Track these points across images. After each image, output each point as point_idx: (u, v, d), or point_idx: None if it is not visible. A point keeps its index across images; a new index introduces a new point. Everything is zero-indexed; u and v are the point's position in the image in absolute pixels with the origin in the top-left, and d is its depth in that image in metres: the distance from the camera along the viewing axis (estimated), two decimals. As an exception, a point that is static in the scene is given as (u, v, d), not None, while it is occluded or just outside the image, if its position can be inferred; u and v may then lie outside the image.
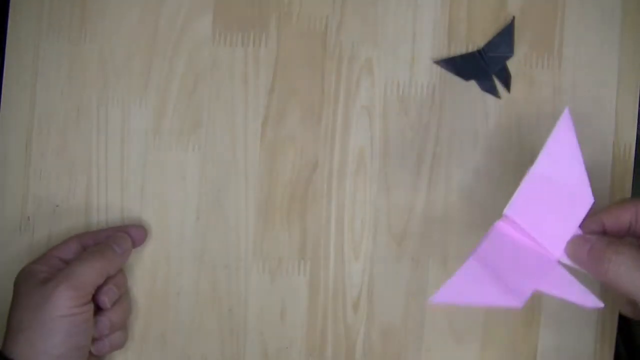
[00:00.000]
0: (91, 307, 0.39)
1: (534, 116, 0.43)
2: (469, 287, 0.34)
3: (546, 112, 0.43)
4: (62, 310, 0.37)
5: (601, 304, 0.35)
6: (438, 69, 0.44)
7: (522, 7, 0.44)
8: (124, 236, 0.42)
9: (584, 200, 0.35)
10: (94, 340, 0.40)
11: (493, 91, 0.43)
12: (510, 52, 0.43)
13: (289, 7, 0.44)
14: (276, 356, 0.44)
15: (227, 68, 0.44)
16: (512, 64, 0.44)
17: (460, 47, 0.44)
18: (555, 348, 0.43)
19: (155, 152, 0.45)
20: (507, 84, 0.43)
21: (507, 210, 0.34)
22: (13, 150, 0.45)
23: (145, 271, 0.44)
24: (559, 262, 0.36)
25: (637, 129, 0.44)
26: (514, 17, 0.43)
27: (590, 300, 0.35)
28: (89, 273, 0.39)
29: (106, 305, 0.40)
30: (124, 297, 0.43)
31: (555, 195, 0.35)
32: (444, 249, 0.44)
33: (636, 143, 0.43)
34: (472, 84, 0.44)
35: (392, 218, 0.44)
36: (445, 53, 0.44)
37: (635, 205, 0.35)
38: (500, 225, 0.35)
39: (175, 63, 0.45)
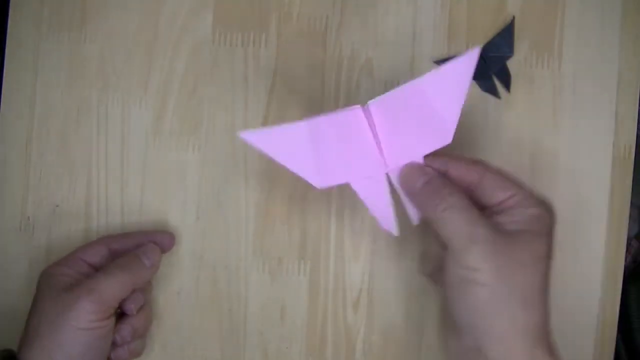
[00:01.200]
0: (113, 320, 0.38)
1: (534, 116, 0.43)
2: (284, 144, 0.34)
3: (546, 112, 0.43)
4: (83, 323, 0.36)
5: (395, 232, 0.36)
6: (438, 69, 0.44)
7: (522, 7, 0.44)
8: (154, 248, 0.41)
9: (443, 137, 0.35)
10: (114, 346, 0.39)
11: (493, 91, 0.43)
12: (510, 52, 0.43)
13: (289, 7, 0.44)
14: (276, 356, 0.44)
15: (227, 68, 0.44)
16: (512, 64, 0.44)
17: (460, 47, 0.44)
18: (555, 348, 0.43)
19: (155, 152, 0.45)
20: (507, 84, 0.43)
21: (371, 102, 0.34)
22: (13, 150, 0.45)
23: (145, 271, 0.44)
24: (386, 174, 0.36)
25: (637, 129, 0.44)
26: (514, 17, 0.43)
27: (388, 223, 0.36)
28: (115, 288, 0.37)
29: (132, 313, 0.39)
30: (147, 303, 0.41)
31: (421, 116, 0.34)
32: (444, 249, 0.44)
33: (636, 143, 0.43)
34: (472, 84, 0.44)
35: (392, 218, 0.44)
36: (445, 53, 0.44)
37: (484, 170, 0.35)
38: (356, 111, 0.34)
39: (175, 63, 0.45)
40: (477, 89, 0.44)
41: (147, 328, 0.42)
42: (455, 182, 0.35)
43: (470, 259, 0.32)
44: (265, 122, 0.44)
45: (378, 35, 0.44)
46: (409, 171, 0.35)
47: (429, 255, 0.36)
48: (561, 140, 0.43)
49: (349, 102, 0.44)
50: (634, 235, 0.54)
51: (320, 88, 0.44)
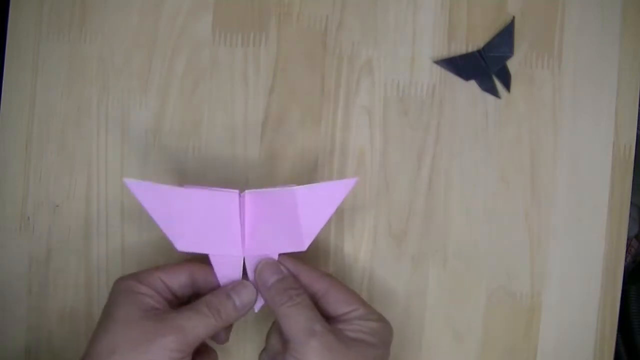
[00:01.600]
0: (190, 357, 0.36)
1: (534, 116, 0.43)
2: (159, 201, 0.37)
3: (546, 112, 0.43)
4: (163, 359, 0.34)
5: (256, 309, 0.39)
6: (438, 69, 0.44)
7: (522, 7, 0.44)
8: (248, 286, 0.38)
9: (299, 243, 0.38)
10: None
11: (493, 91, 0.43)
12: (510, 52, 0.43)
13: (289, 7, 0.44)
14: (276, 356, 0.44)
15: (227, 68, 0.44)
16: (512, 64, 0.44)
17: (460, 47, 0.44)
18: (555, 348, 0.43)
19: (155, 152, 0.45)
20: (507, 84, 0.43)
21: (247, 192, 0.37)
22: (13, 150, 0.45)
23: (145, 271, 0.44)
24: (242, 258, 0.38)
25: (637, 128, 0.44)
26: (514, 17, 0.43)
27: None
28: (202, 329, 0.35)
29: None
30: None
31: (286, 219, 0.38)
32: (444, 249, 0.44)
33: (636, 143, 0.43)
34: (472, 84, 0.44)
35: (392, 218, 0.44)
36: (445, 53, 0.44)
37: (331, 283, 0.38)
38: (233, 195, 0.37)
39: (175, 63, 0.45)
40: (477, 89, 0.44)
41: None
42: (304, 287, 0.38)
43: (309, 353, 0.34)
44: (265, 122, 0.44)
45: (378, 35, 0.44)
46: (265, 266, 0.38)
47: (270, 349, 0.38)
48: (561, 140, 0.43)
49: (348, 102, 0.44)
50: (634, 235, 0.54)
51: (320, 88, 0.44)
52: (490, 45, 0.43)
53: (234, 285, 0.38)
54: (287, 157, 0.44)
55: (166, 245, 0.44)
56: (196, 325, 0.35)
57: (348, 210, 0.44)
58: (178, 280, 0.38)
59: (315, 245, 0.44)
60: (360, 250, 0.44)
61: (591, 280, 0.43)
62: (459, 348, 0.44)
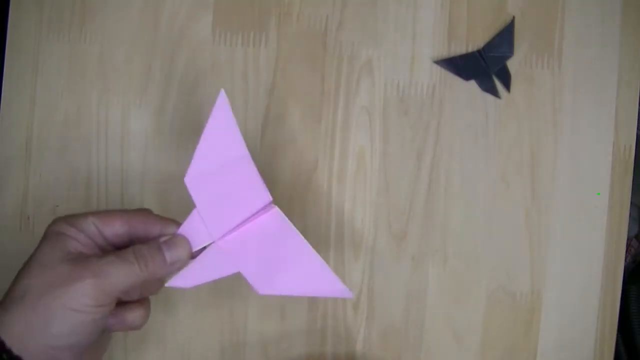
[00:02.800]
0: (112, 307, 0.33)
1: (534, 116, 0.43)
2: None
3: (546, 112, 0.43)
4: (77, 305, 0.31)
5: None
6: (438, 69, 0.44)
7: (522, 7, 0.44)
8: (183, 242, 0.35)
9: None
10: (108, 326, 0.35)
11: (493, 91, 0.44)
12: (510, 52, 0.43)
13: (289, 7, 0.44)
14: (276, 356, 0.44)
15: (227, 68, 0.44)
16: (512, 64, 0.44)
17: (460, 47, 0.44)
18: (555, 348, 0.43)
19: (155, 152, 0.45)
20: (507, 84, 0.43)
21: (275, 209, 0.35)
22: (13, 150, 0.45)
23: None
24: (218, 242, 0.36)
25: (637, 128, 0.44)
26: (514, 17, 0.43)
27: (182, 282, 0.36)
28: (125, 279, 0.33)
29: (132, 310, 0.35)
30: (147, 300, 0.37)
31: (224, 181, 0.35)
32: (444, 249, 0.44)
33: (636, 143, 0.44)
34: (472, 84, 0.44)
35: (392, 218, 0.44)
36: (445, 53, 0.44)
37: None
38: (267, 197, 0.36)
39: (175, 63, 0.45)
40: (477, 89, 0.44)
41: (144, 322, 0.37)
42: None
43: None
44: (265, 122, 0.44)
45: (378, 35, 0.44)
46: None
47: None
48: (561, 140, 0.43)
49: (348, 102, 0.44)
50: (634, 235, 0.54)
51: (320, 88, 0.44)
52: (490, 45, 0.43)
53: (169, 239, 0.35)
54: (287, 158, 0.44)
55: (166, 245, 0.44)
56: (118, 272, 0.32)
57: (348, 210, 0.44)
58: (112, 226, 0.35)
59: (315, 246, 0.44)
60: (360, 250, 0.44)
61: (591, 280, 0.43)
62: (459, 348, 0.44)
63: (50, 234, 0.34)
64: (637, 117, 0.43)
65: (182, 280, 0.36)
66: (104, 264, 0.32)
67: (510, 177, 0.44)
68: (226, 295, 0.44)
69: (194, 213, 0.36)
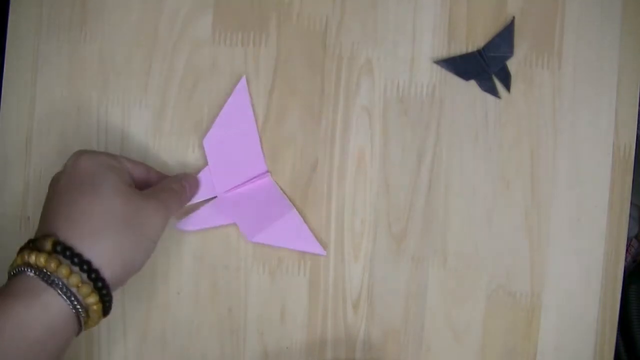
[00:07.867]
0: None
1: (534, 116, 0.43)
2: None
3: (546, 112, 0.43)
4: (154, 235, 0.35)
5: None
6: (438, 69, 0.44)
7: (522, 7, 0.44)
8: (194, 178, 0.42)
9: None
10: None
11: (493, 91, 0.43)
12: (510, 52, 0.43)
13: (289, 7, 0.44)
14: (276, 356, 0.44)
15: (227, 68, 0.44)
16: (512, 64, 0.44)
17: (460, 47, 0.44)
18: (555, 348, 0.43)
19: (155, 152, 0.45)
20: (507, 84, 0.43)
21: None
22: (13, 150, 0.45)
23: (146, 271, 0.44)
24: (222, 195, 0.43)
25: (637, 128, 0.44)
26: (514, 17, 0.43)
27: (186, 224, 0.43)
28: (177, 209, 0.39)
29: None
30: None
31: (234, 149, 0.43)
32: (444, 249, 0.44)
33: (636, 143, 0.43)
34: (472, 84, 0.44)
35: (392, 218, 0.44)
36: (445, 53, 0.44)
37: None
38: (265, 171, 0.44)
39: (175, 63, 0.45)
40: (477, 89, 0.44)
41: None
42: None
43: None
44: (265, 122, 0.44)
45: (378, 35, 0.44)
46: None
47: None
48: (561, 140, 0.43)
49: (348, 102, 0.44)
50: (634, 235, 0.54)
51: (320, 88, 0.44)
52: (490, 45, 0.43)
53: (184, 175, 0.41)
54: (287, 157, 0.44)
55: (163, 245, 0.44)
56: (174, 202, 0.38)
57: (348, 210, 0.44)
58: (139, 170, 0.39)
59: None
60: (360, 250, 0.44)
61: (591, 280, 0.43)
62: (459, 348, 0.44)
63: (103, 169, 0.35)
64: (637, 117, 0.43)
65: (189, 223, 0.43)
66: (166, 197, 0.37)
67: (510, 177, 0.43)
68: (226, 295, 0.44)
69: (206, 170, 0.43)
